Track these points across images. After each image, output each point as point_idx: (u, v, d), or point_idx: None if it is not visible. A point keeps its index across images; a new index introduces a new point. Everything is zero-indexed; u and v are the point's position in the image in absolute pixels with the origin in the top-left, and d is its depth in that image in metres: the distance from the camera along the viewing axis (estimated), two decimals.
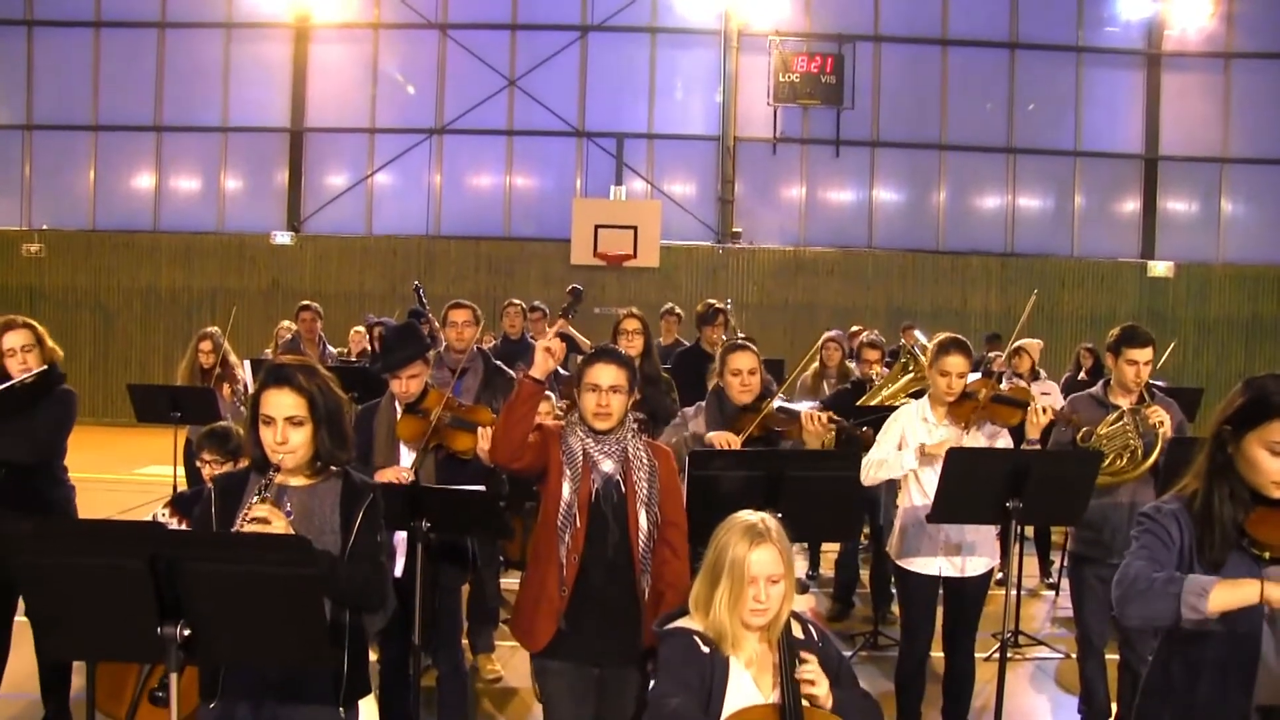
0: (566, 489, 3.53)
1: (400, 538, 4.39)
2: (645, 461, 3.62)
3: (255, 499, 2.78)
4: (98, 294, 16.69)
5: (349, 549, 2.92)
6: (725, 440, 4.39)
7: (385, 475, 4.32)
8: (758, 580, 2.83)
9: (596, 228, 15.79)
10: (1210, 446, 2.69)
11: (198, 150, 16.84)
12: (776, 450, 4.31)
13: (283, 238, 16.61)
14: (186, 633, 2.21)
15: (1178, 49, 16.50)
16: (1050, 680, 6.22)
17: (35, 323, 4.71)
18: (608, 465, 3.57)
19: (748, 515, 2.93)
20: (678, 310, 9.59)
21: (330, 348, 9.73)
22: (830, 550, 8.10)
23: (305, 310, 9.36)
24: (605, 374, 3.57)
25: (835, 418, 4.45)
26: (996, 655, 6.39)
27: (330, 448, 2.96)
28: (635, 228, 15.81)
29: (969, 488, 4.03)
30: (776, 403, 4.55)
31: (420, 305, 8.45)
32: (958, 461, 4.03)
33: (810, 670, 2.83)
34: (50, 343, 4.70)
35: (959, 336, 4.78)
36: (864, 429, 4.63)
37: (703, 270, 16.36)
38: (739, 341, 4.73)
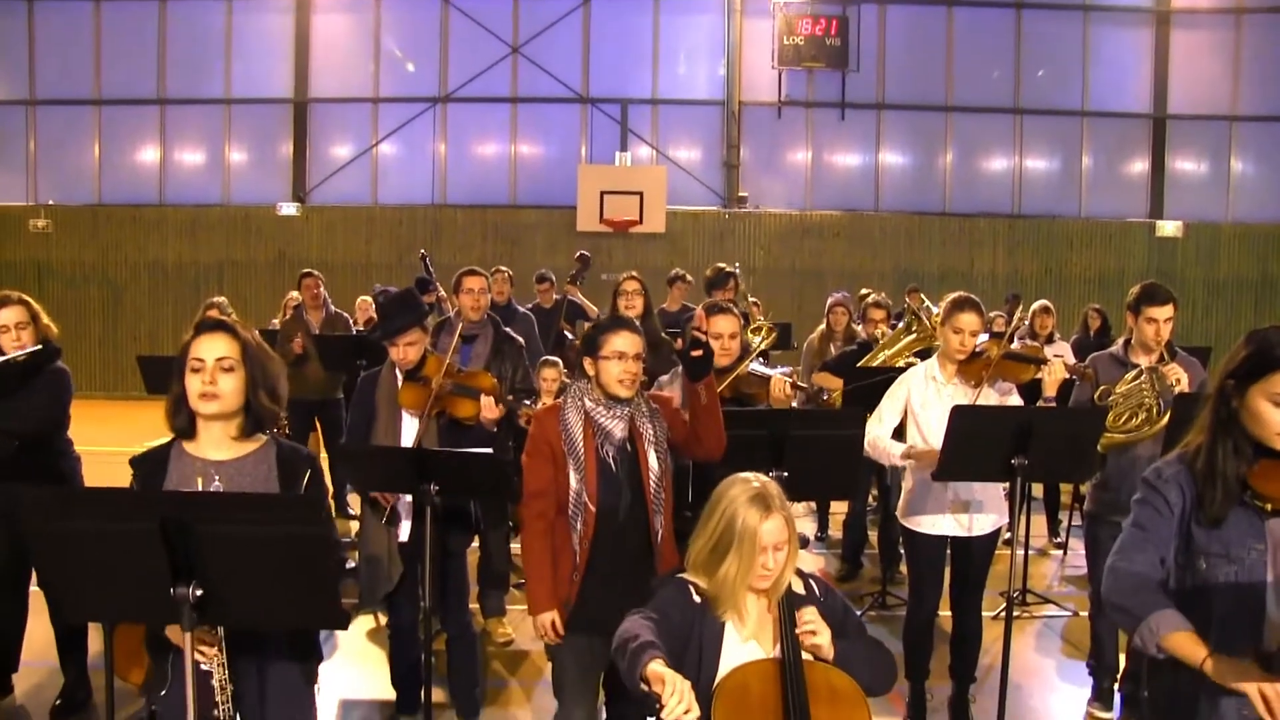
0: (574, 478, 3.53)
1: (406, 502, 4.43)
2: (646, 409, 3.63)
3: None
4: (105, 268, 16.71)
5: None
6: None
7: None
8: (767, 549, 2.83)
9: (602, 194, 15.76)
10: (1214, 400, 2.69)
11: (201, 122, 16.79)
12: (782, 410, 4.32)
13: (288, 209, 16.60)
14: (199, 594, 2.24)
15: (1187, 6, 16.33)
16: (1057, 637, 6.26)
17: (30, 299, 4.66)
18: (619, 430, 3.56)
19: (750, 480, 2.88)
20: (688, 276, 9.58)
21: (339, 310, 9.75)
22: (838, 511, 8.14)
23: (307, 277, 9.39)
24: (630, 342, 3.54)
25: (799, 384, 4.46)
26: (1003, 613, 6.49)
27: (264, 401, 2.82)
28: (641, 194, 15.77)
29: (974, 445, 4.03)
30: (753, 365, 4.55)
31: (427, 274, 8.46)
32: (963, 419, 4.02)
33: (810, 621, 2.83)
34: (46, 319, 4.67)
35: (972, 295, 4.77)
36: (827, 397, 4.63)
37: (709, 235, 16.32)
38: (721, 304, 4.72)
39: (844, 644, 2.88)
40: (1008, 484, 4.29)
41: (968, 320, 4.59)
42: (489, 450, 4.02)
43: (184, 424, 2.80)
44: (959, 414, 4.04)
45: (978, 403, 4.52)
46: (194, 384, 2.75)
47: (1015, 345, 5.19)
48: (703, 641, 2.84)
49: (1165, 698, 2.73)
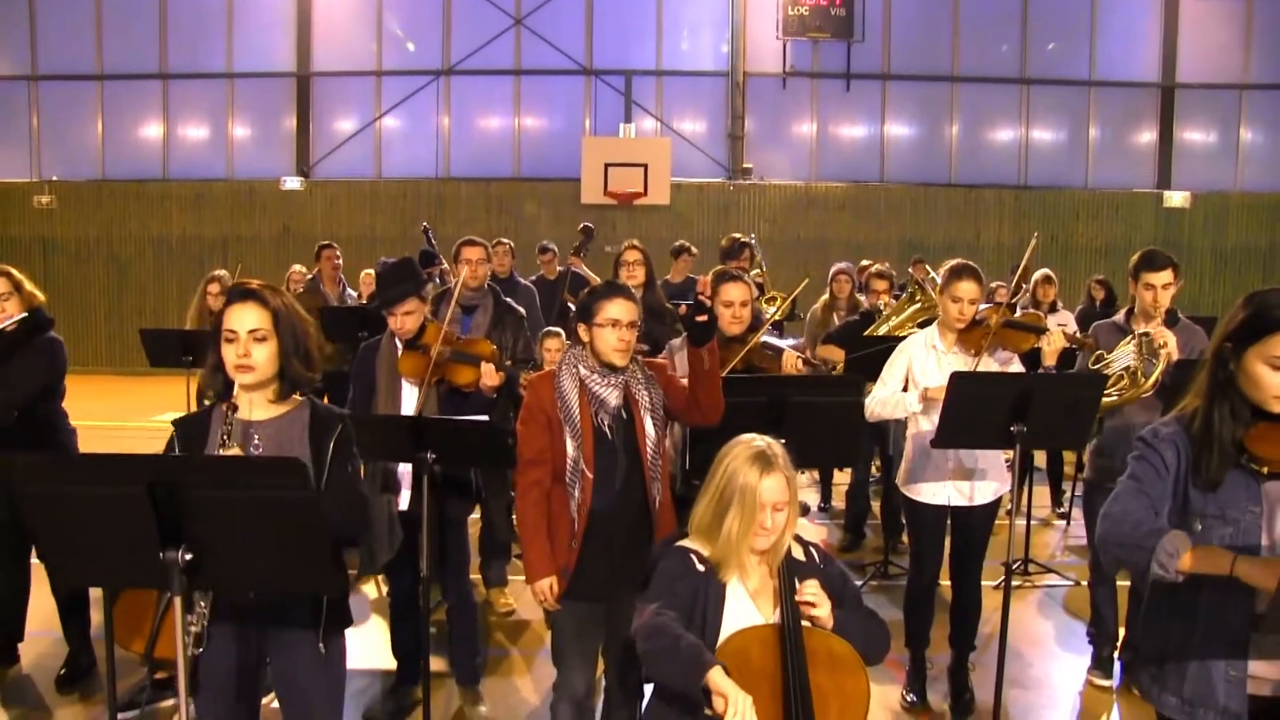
0: (571, 446, 3.52)
1: (405, 470, 4.43)
2: (642, 376, 3.63)
3: (220, 445, 2.74)
4: (110, 244, 16.73)
5: (325, 480, 2.90)
6: None
7: None
8: (766, 507, 2.82)
9: (606, 166, 15.71)
10: (1211, 364, 2.67)
11: (205, 97, 16.77)
12: (780, 376, 4.30)
13: (292, 183, 16.58)
14: (188, 557, 2.24)
15: None
16: (1059, 607, 6.26)
17: (12, 269, 4.63)
18: (614, 398, 3.55)
19: (753, 440, 2.90)
20: (692, 248, 9.55)
21: (350, 290, 9.78)
22: (841, 482, 8.15)
23: (327, 249, 9.43)
24: (624, 309, 3.52)
25: (812, 360, 4.44)
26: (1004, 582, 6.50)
27: (297, 367, 2.92)
28: (645, 166, 15.72)
29: (973, 412, 4.01)
30: (764, 338, 4.53)
31: (430, 247, 8.44)
32: (961, 385, 4.00)
33: (811, 592, 2.84)
34: (30, 287, 4.65)
35: (970, 263, 4.73)
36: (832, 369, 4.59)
37: (714, 207, 16.26)
38: (732, 271, 4.69)
39: (842, 614, 2.88)
40: (1010, 452, 4.27)
41: (966, 288, 4.56)
42: (485, 418, 4.01)
43: (220, 388, 2.90)
44: (958, 380, 4.02)
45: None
46: (229, 355, 2.86)
47: (1017, 314, 5.17)
48: (707, 605, 2.84)
49: (1156, 659, 2.72)
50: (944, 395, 4.08)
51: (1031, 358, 4.81)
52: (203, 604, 2.63)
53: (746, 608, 2.89)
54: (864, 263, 9.71)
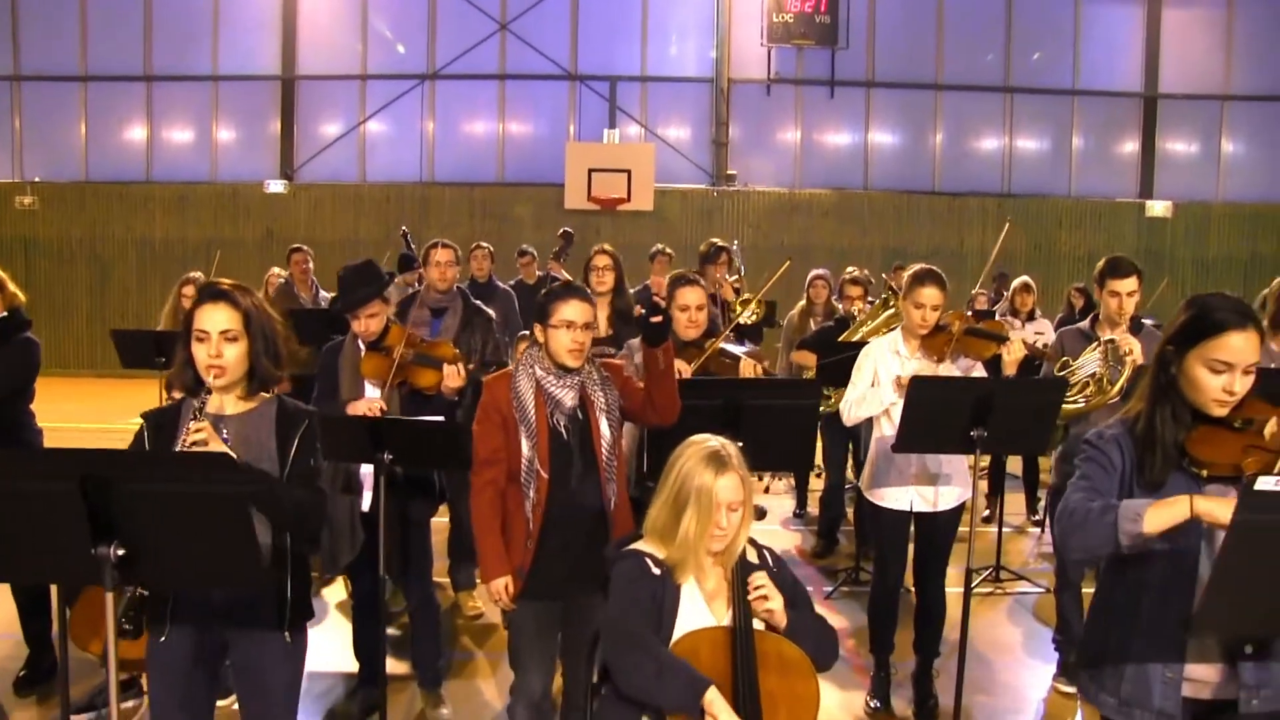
0: (526, 446, 3.52)
1: (368, 471, 4.42)
2: (598, 377, 3.62)
3: (191, 421, 2.78)
4: (92, 245, 16.67)
5: (287, 473, 2.93)
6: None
7: (358, 407, 4.34)
8: (722, 507, 2.82)
9: (590, 171, 15.71)
10: (1154, 367, 2.68)
11: (189, 99, 16.73)
12: (736, 379, 4.30)
13: (276, 186, 16.55)
14: (120, 553, 2.23)
15: None
16: (1028, 613, 6.26)
17: None
18: (570, 399, 3.55)
19: (707, 439, 2.89)
20: (668, 250, 9.55)
21: (324, 291, 9.73)
22: (818, 488, 8.15)
23: (297, 253, 9.40)
24: (579, 311, 3.52)
25: (770, 370, 4.45)
26: (976, 589, 6.50)
27: (267, 366, 2.96)
28: (629, 171, 15.72)
29: (933, 417, 4.02)
30: (722, 344, 4.53)
31: (409, 250, 8.43)
32: (921, 390, 4.00)
33: (762, 586, 2.83)
34: (12, 287, 4.63)
35: (934, 268, 4.74)
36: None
37: (697, 213, 16.28)
38: (689, 275, 4.69)
39: (795, 614, 2.88)
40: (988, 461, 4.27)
41: (929, 295, 4.56)
42: (443, 419, 4.00)
43: (191, 382, 2.94)
44: (917, 384, 4.02)
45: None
46: (201, 355, 2.89)
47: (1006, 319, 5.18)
48: (662, 608, 2.83)
49: (1096, 659, 2.73)
50: (904, 398, 4.08)
51: (995, 367, 4.82)
52: (142, 592, 2.61)
53: (701, 610, 2.88)
54: (851, 270, 9.71)
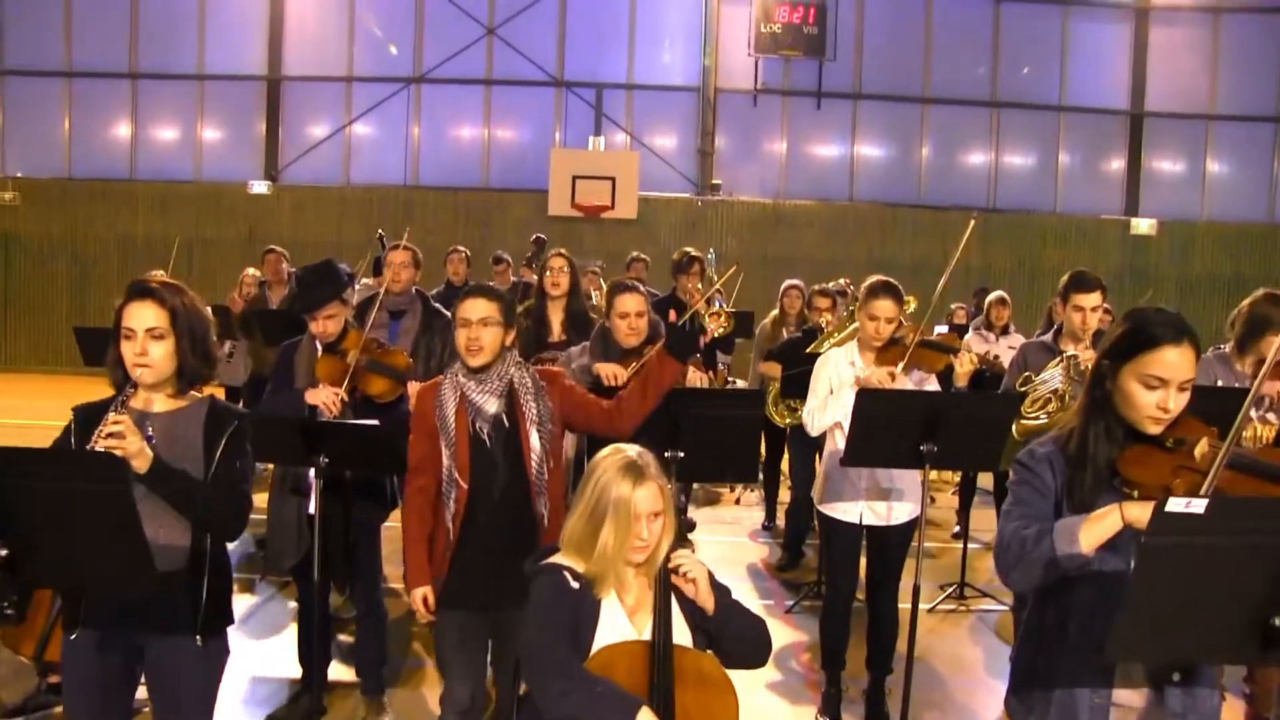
0: (445, 454, 3.47)
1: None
2: (531, 385, 3.54)
3: (110, 413, 2.76)
4: (74, 243, 16.57)
5: (210, 474, 2.90)
6: (612, 373, 4.32)
7: (318, 395, 4.26)
8: (641, 518, 2.75)
9: (574, 178, 15.66)
10: (1089, 382, 2.62)
11: (174, 98, 16.67)
12: (679, 389, 4.24)
13: (260, 187, 16.49)
14: (3, 553, 2.17)
15: (1167, 3, 16.29)
16: (989, 631, 6.21)
17: None
18: (492, 405, 3.48)
19: (623, 449, 2.81)
20: (644, 257, 9.51)
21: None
22: (785, 501, 8.08)
23: (270, 253, 9.38)
24: (474, 308, 3.47)
25: (714, 380, 4.40)
26: (940, 606, 6.45)
27: (195, 364, 2.94)
28: (614, 179, 15.69)
29: (880, 430, 3.96)
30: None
31: (384, 253, 8.36)
32: (868, 403, 3.95)
33: (685, 563, 2.76)
34: None
35: (890, 280, 4.69)
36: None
37: (681, 222, 16.24)
38: (627, 282, 4.65)
39: (725, 601, 2.81)
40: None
41: (883, 307, 4.53)
42: (376, 422, 3.93)
43: (121, 380, 2.93)
44: (863, 396, 3.97)
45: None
46: (127, 352, 2.87)
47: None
48: (579, 622, 2.76)
49: (1024, 683, 2.68)
50: (851, 410, 4.03)
51: (949, 380, 4.78)
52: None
53: (623, 624, 2.80)
54: (842, 280, 9.67)
